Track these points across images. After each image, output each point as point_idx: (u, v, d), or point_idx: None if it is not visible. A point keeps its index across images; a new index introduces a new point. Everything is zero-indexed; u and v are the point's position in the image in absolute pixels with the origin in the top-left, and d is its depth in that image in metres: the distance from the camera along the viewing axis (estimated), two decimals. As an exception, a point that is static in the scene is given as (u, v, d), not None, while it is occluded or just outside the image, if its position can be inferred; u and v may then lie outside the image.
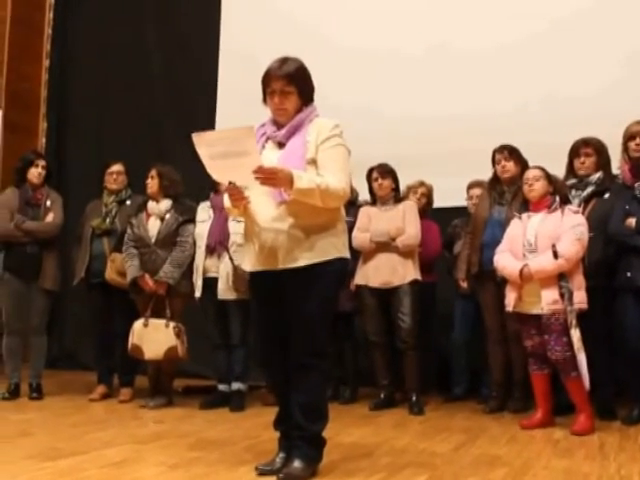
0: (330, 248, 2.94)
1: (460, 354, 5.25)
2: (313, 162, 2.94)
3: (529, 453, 3.44)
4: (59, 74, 7.47)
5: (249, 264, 3.02)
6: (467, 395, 5.20)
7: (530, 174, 4.27)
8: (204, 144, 2.78)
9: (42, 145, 7.29)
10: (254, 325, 4.89)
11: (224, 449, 3.48)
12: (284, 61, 3.01)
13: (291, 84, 2.98)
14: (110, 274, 4.99)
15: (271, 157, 2.91)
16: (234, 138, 2.73)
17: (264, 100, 3.07)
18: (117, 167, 5.31)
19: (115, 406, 4.91)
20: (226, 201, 3.04)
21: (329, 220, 2.96)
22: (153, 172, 4.97)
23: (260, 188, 2.85)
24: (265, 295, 3.02)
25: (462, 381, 5.27)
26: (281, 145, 3.02)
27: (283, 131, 3.01)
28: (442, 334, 5.39)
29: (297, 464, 2.89)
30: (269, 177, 2.75)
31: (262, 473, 2.96)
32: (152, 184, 4.95)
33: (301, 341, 2.94)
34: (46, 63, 7.47)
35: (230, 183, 2.83)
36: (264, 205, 2.93)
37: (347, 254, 3.03)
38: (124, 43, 7.23)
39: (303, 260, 2.89)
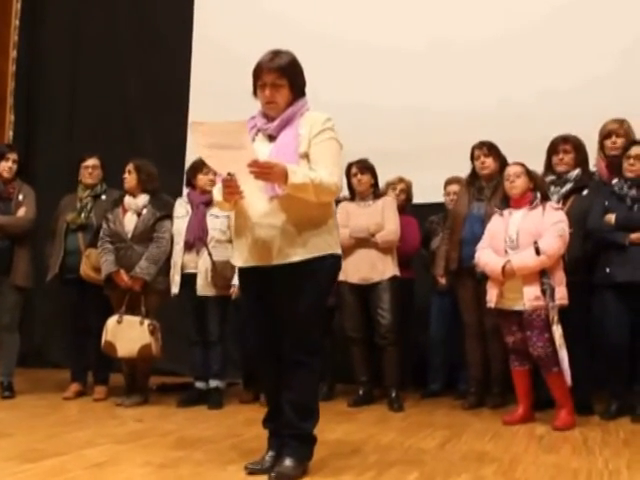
0: (323, 244, 2.90)
1: (437, 350, 5.26)
2: (305, 156, 2.90)
3: (516, 449, 3.45)
4: (27, 66, 7.28)
5: (240, 259, 2.97)
6: (444, 391, 5.21)
7: (511, 170, 4.28)
8: (201, 133, 2.73)
9: (9, 138, 7.11)
10: (235, 321, 4.91)
11: (208, 447, 3.43)
12: (276, 54, 2.96)
13: (283, 77, 2.93)
14: (85, 270, 4.89)
15: (262, 150, 2.86)
16: (228, 132, 2.68)
17: (254, 92, 3.02)
18: (93, 161, 5.21)
19: (90, 404, 4.82)
20: (217, 195, 2.99)
21: (321, 215, 2.92)
22: (130, 166, 4.88)
23: (252, 182, 2.80)
24: (256, 291, 2.97)
25: (439, 377, 5.28)
26: (272, 138, 2.97)
27: (274, 124, 2.96)
28: (418, 330, 5.39)
29: (288, 462, 2.85)
30: (264, 171, 2.70)
31: (252, 472, 2.92)
32: (130, 179, 4.86)
33: (293, 338, 2.90)
34: (13, 54, 7.28)
35: (229, 174, 2.78)
36: (256, 200, 2.88)
37: (339, 250, 3.00)
38: (95, 34, 7.11)
39: (296, 256, 2.85)
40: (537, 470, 3.02)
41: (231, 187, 2.81)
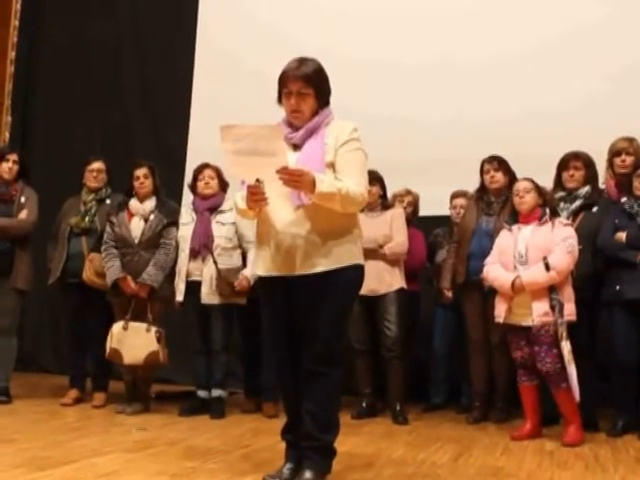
0: (347, 254, 2.87)
1: (440, 364, 5.25)
2: (331, 166, 2.87)
3: (529, 465, 3.43)
4: (26, 67, 7.22)
5: (263, 269, 2.93)
6: (446, 404, 5.19)
7: (520, 186, 4.28)
8: (231, 137, 2.67)
9: (5, 139, 7.03)
10: (249, 330, 4.85)
11: (219, 458, 3.38)
12: (302, 61, 2.93)
13: (309, 86, 2.90)
14: (88, 275, 4.82)
15: (289, 159, 2.81)
16: (262, 136, 2.64)
17: (279, 100, 2.99)
18: (98, 165, 5.15)
19: (89, 411, 4.74)
20: (240, 202, 2.94)
21: (346, 225, 2.90)
22: (145, 171, 4.82)
23: (278, 191, 2.77)
24: (278, 301, 2.93)
25: (441, 391, 5.26)
26: (296, 147, 2.94)
27: (300, 133, 2.93)
28: (420, 343, 5.37)
29: (308, 475, 2.80)
30: (294, 178, 2.67)
31: (269, 484, 2.88)
32: (147, 183, 4.80)
33: (314, 349, 2.85)
34: (12, 55, 7.20)
35: (257, 181, 2.74)
36: (281, 208, 2.84)
37: (362, 260, 2.97)
38: (96, 36, 7.04)
39: (320, 266, 2.82)
40: (556, 487, 3.01)
41: (257, 194, 2.78)
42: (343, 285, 2.86)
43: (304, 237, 2.81)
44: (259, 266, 2.96)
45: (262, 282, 2.99)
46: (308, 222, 2.82)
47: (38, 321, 6.78)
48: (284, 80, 2.93)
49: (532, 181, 4.28)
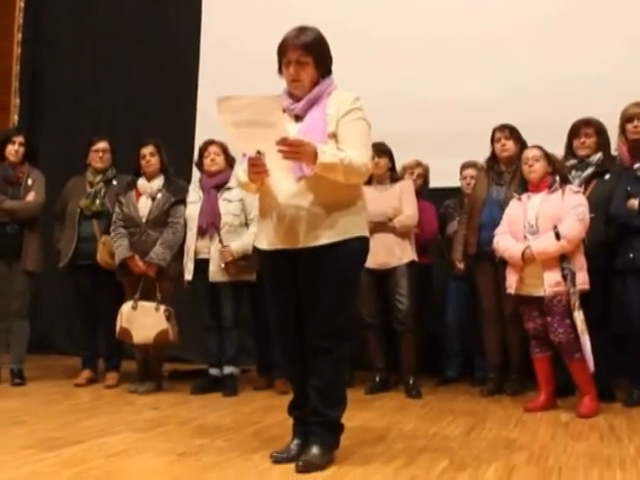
0: (352, 226, 2.82)
1: (453, 336, 5.20)
2: (333, 136, 2.82)
3: (543, 436, 3.39)
4: (32, 49, 7.15)
5: (266, 242, 2.89)
6: (460, 377, 5.15)
7: (529, 154, 4.19)
8: (228, 110, 2.62)
9: (14, 121, 7.00)
10: (259, 307, 4.81)
11: (229, 436, 3.36)
12: (301, 30, 2.87)
13: (308, 54, 2.84)
14: (102, 257, 4.80)
15: (289, 130, 2.75)
16: (260, 106, 2.58)
17: (279, 70, 2.93)
18: (103, 144, 5.10)
19: (102, 391, 4.74)
20: (242, 175, 2.89)
21: (349, 197, 2.84)
22: (151, 149, 4.77)
23: (279, 163, 2.71)
24: (281, 275, 2.89)
25: (455, 364, 5.22)
26: (298, 118, 2.89)
27: (301, 104, 2.87)
28: (433, 316, 5.31)
29: (315, 451, 2.78)
30: (294, 150, 2.61)
31: (278, 461, 2.84)
32: (153, 161, 4.76)
33: (319, 324, 2.82)
34: (19, 37, 7.15)
35: (258, 152, 2.69)
36: (283, 180, 2.79)
37: (367, 232, 2.91)
38: (102, 16, 6.98)
39: (324, 238, 2.77)
40: (568, 458, 2.96)
41: (258, 166, 2.72)
42: (348, 257, 2.82)
43: (307, 209, 2.77)
44: (262, 240, 2.92)
45: (265, 256, 2.93)
46: (311, 194, 2.77)
47: (52, 303, 6.78)
48: (283, 49, 2.87)
49: (541, 148, 4.20)
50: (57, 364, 5.96)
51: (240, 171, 2.93)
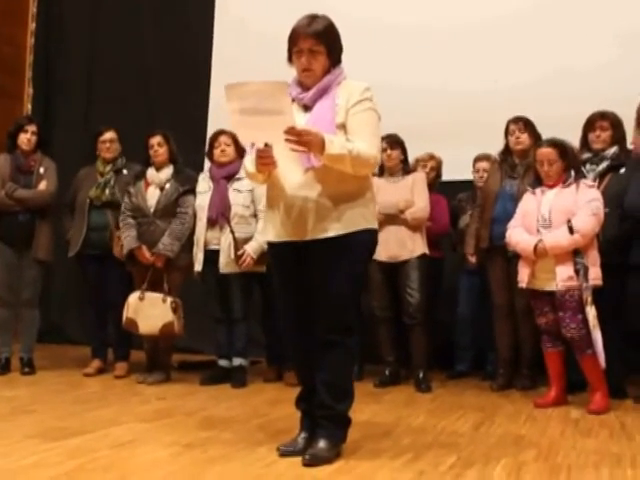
0: (359, 218, 2.78)
1: (465, 330, 5.16)
2: (342, 127, 2.78)
3: (552, 432, 3.35)
4: (46, 38, 7.16)
5: (273, 234, 2.85)
6: (470, 372, 5.12)
7: (544, 156, 4.06)
8: (236, 97, 2.58)
9: (28, 111, 7.00)
10: (269, 298, 4.80)
11: (235, 428, 3.34)
12: (313, 18, 2.83)
13: (320, 43, 2.80)
14: (118, 250, 4.79)
15: (298, 120, 2.70)
16: (267, 93, 2.54)
17: (289, 59, 2.89)
18: (110, 134, 5.08)
19: (111, 381, 4.74)
20: (249, 166, 2.86)
21: (358, 188, 2.81)
22: (159, 139, 4.75)
23: (287, 153, 2.68)
24: (289, 267, 2.85)
25: (466, 358, 5.18)
26: (307, 108, 2.85)
27: (310, 93, 2.84)
28: (444, 310, 5.27)
29: (322, 444, 2.75)
30: (302, 139, 2.57)
31: (284, 454, 2.81)
32: (162, 151, 4.74)
33: (327, 317, 2.79)
34: (32, 26, 7.16)
35: (266, 145, 2.65)
36: (290, 171, 2.76)
37: (376, 224, 2.88)
38: (115, 6, 6.97)
39: (332, 230, 2.74)
40: (578, 456, 2.91)
41: (266, 157, 2.69)
42: (356, 250, 2.78)
43: (315, 200, 2.73)
44: (269, 232, 2.89)
45: (272, 248, 2.91)
46: (319, 185, 2.74)
47: (63, 292, 6.80)
48: (294, 38, 2.83)
49: (555, 145, 4.07)
50: (67, 353, 5.98)
51: (248, 161, 2.90)
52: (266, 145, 2.66)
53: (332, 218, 2.74)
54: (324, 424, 2.80)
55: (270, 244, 2.91)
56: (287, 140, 2.58)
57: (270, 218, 2.89)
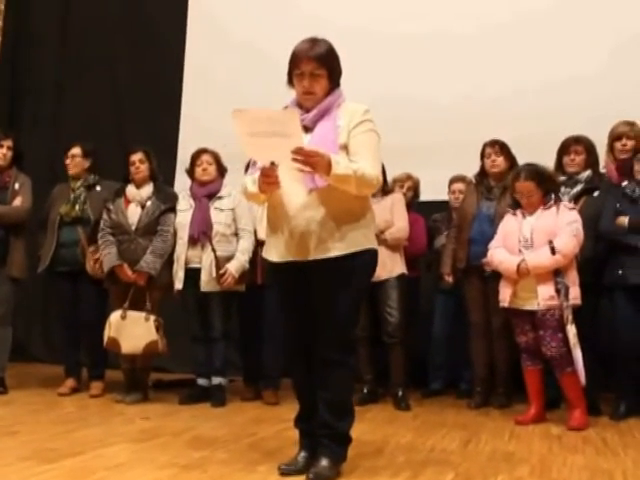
0: (362, 239, 2.83)
1: (439, 349, 5.22)
2: (345, 147, 2.82)
3: (540, 449, 3.42)
4: (12, 48, 7.05)
5: (276, 254, 2.87)
6: (444, 390, 5.18)
7: (523, 189, 4.15)
8: (246, 121, 2.60)
9: (-7, 126, 6.88)
10: (247, 317, 4.81)
11: (228, 448, 3.33)
12: (314, 42, 2.87)
13: (322, 67, 2.85)
14: (92, 266, 4.73)
15: (301, 141, 2.76)
16: (277, 120, 2.58)
17: (289, 82, 2.93)
18: (73, 150, 5.04)
19: (87, 401, 4.67)
20: (251, 186, 2.87)
21: (359, 209, 2.86)
22: (140, 155, 4.73)
23: (290, 174, 2.71)
24: (292, 286, 2.88)
25: (440, 376, 5.24)
26: (307, 129, 2.88)
27: (311, 115, 2.87)
28: (418, 329, 5.33)
29: (325, 463, 2.77)
30: (310, 160, 2.61)
31: (285, 473, 2.83)
32: (143, 168, 4.71)
33: (329, 337, 2.81)
34: (-2, 36, 7.07)
35: (272, 164, 2.68)
36: (294, 192, 2.79)
37: (376, 245, 2.92)
38: (84, 20, 6.93)
39: (335, 251, 2.77)
40: (570, 472, 2.99)
41: (270, 177, 2.72)
42: (358, 270, 2.83)
43: (318, 221, 2.76)
44: (272, 252, 2.91)
45: (275, 268, 2.92)
46: (322, 206, 2.77)
47: (29, 309, 6.65)
48: (296, 61, 2.86)
49: (532, 179, 4.14)
50: (36, 372, 5.87)
51: (249, 181, 2.91)
52: (272, 164, 2.69)
53: (335, 238, 2.78)
54: (325, 443, 2.82)
55: (273, 264, 2.92)
56: (295, 160, 2.61)
57: (272, 238, 2.91)
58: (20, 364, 6.11)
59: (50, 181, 5.53)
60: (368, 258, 2.86)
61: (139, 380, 4.71)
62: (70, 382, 4.93)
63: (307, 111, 2.90)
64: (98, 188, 5.02)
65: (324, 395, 2.83)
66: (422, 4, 5.93)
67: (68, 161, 5.04)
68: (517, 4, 5.69)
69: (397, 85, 5.70)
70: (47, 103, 6.93)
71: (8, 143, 4.93)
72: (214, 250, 4.54)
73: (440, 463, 3.10)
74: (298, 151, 2.60)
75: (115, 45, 6.87)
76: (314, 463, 2.79)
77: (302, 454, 2.91)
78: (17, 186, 4.89)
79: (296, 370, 3.00)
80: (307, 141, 2.79)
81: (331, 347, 2.80)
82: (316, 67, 2.84)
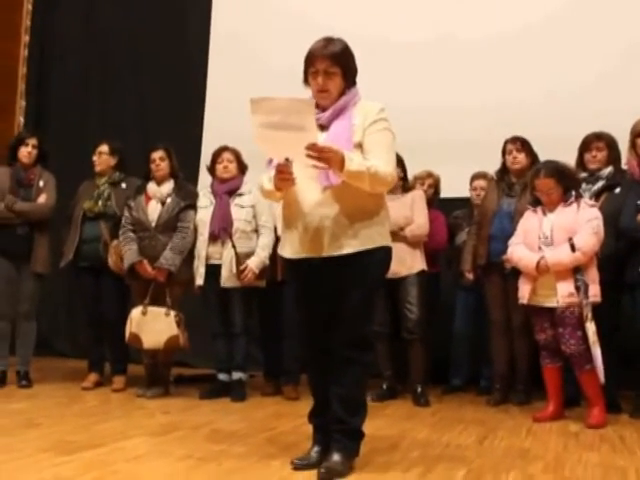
0: (376, 236, 2.84)
1: (460, 346, 5.23)
2: (359, 146, 2.84)
3: (555, 446, 3.41)
4: (39, 51, 7.17)
5: (290, 251, 2.90)
6: (465, 386, 5.18)
7: (543, 187, 4.14)
8: (262, 110, 2.62)
9: (19, 124, 7.00)
10: (268, 313, 4.86)
11: (245, 441, 3.37)
12: (329, 40, 2.89)
13: (336, 65, 2.86)
14: (114, 260, 4.79)
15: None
16: (293, 110, 2.59)
17: (305, 80, 2.95)
18: (100, 148, 5.13)
19: (110, 395, 4.74)
20: (266, 183, 2.91)
21: (374, 206, 2.87)
22: (161, 153, 4.78)
23: (305, 172, 2.74)
24: (306, 283, 2.90)
25: (461, 373, 5.25)
26: (323, 127, 2.90)
27: (327, 113, 2.89)
28: (439, 325, 5.33)
29: (337, 458, 2.80)
30: (324, 156, 2.63)
31: (298, 467, 2.85)
32: (163, 166, 4.77)
33: (344, 333, 2.83)
34: (25, 39, 7.16)
35: (287, 160, 2.71)
36: (308, 190, 2.81)
37: (390, 242, 2.94)
38: (110, 19, 7.01)
39: (349, 247, 2.79)
40: (584, 469, 2.98)
41: (285, 173, 2.74)
42: (372, 267, 2.84)
43: (332, 218, 2.78)
44: (286, 249, 2.93)
45: (290, 264, 2.95)
46: (336, 203, 2.79)
47: (53, 305, 6.77)
48: (311, 59, 2.88)
49: (552, 176, 4.12)
50: (60, 366, 5.98)
51: (265, 179, 2.94)
52: (286, 160, 2.71)
53: (348, 235, 2.79)
54: (339, 438, 2.84)
55: (288, 261, 2.95)
56: (308, 156, 2.63)
57: (287, 235, 2.93)
58: (45, 358, 6.23)
59: (76, 177, 5.59)
60: (382, 255, 2.87)
61: (160, 375, 4.77)
62: (93, 376, 5.01)
63: (323, 110, 2.92)
64: (123, 185, 5.09)
65: (338, 391, 2.85)
66: (442, 11, 5.98)
67: (95, 158, 5.12)
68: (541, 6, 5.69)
69: (420, 89, 5.74)
70: (73, 103, 7.00)
71: (33, 142, 5.03)
72: (234, 246, 4.59)
73: (454, 459, 3.11)
74: (312, 147, 2.62)
75: (139, 46, 6.94)
76: (327, 458, 2.82)
77: (315, 448, 2.94)
78: (42, 184, 4.99)
79: (311, 366, 3.03)
80: (323, 139, 2.81)
81: (345, 344, 2.82)
82: (330, 65, 2.85)
